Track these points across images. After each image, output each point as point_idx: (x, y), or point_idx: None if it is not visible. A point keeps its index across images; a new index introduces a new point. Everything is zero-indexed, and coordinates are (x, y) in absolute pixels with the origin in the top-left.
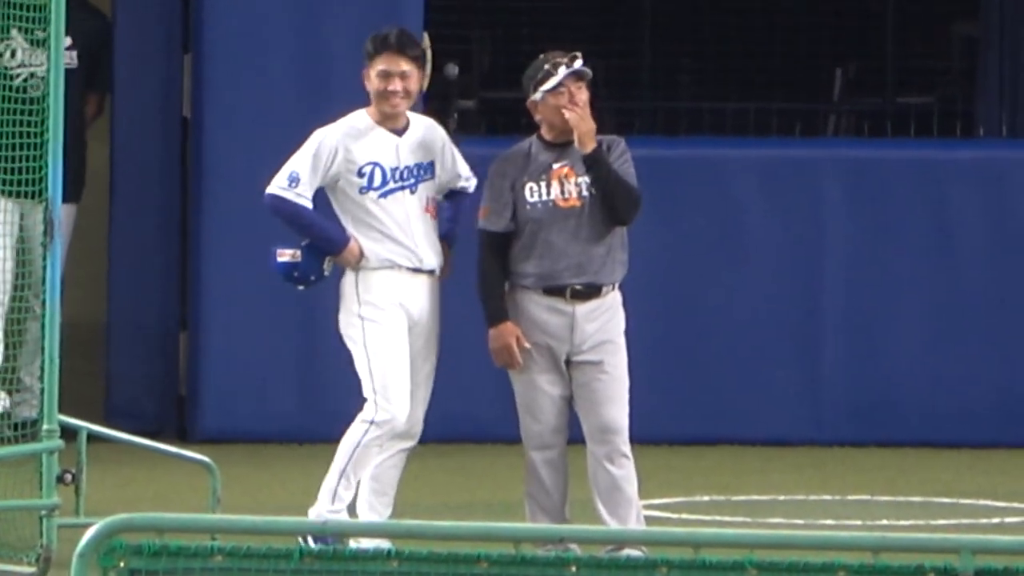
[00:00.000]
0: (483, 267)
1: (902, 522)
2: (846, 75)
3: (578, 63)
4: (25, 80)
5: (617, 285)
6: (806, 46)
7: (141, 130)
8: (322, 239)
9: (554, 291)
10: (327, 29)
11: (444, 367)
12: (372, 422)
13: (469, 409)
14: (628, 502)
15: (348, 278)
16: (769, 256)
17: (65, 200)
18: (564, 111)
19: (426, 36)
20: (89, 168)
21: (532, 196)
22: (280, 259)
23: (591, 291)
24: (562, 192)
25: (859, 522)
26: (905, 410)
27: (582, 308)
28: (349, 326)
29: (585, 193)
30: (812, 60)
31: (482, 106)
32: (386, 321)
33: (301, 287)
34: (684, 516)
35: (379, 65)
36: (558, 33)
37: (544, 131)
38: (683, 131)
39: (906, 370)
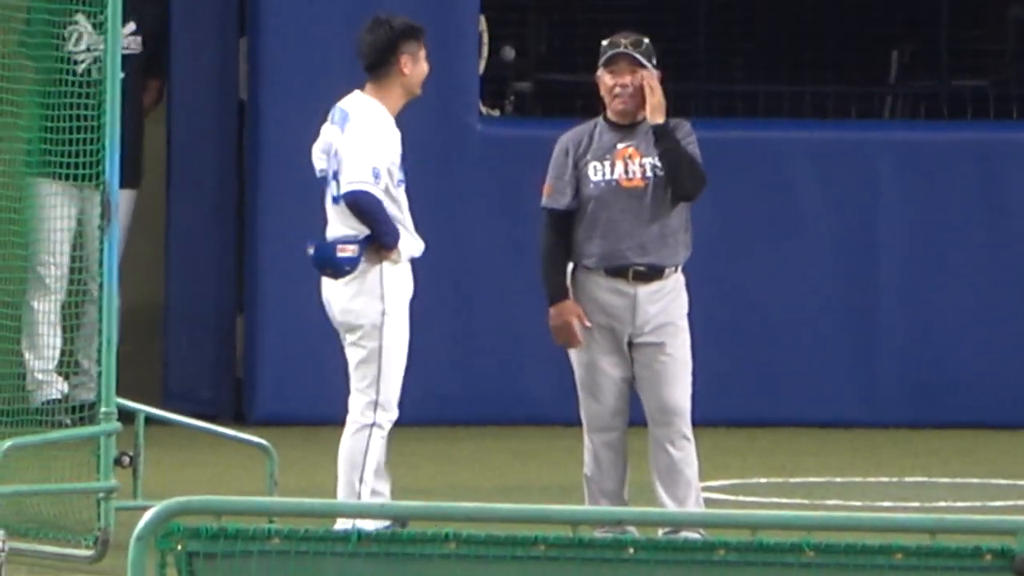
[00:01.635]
0: (545, 244)
1: (959, 504)
2: (901, 58)
3: (630, 45)
4: (90, 65)
5: (680, 267)
6: (861, 28)
7: (198, 113)
8: (388, 232)
9: (616, 272)
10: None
11: (501, 349)
12: (374, 425)
13: (526, 391)
14: (687, 484)
15: (373, 271)
16: (824, 238)
17: (123, 186)
18: (644, 85)
19: (482, 19)
20: (146, 152)
21: (595, 175)
22: (343, 254)
23: (653, 272)
24: (626, 172)
25: (916, 504)
26: (961, 391)
27: (644, 289)
28: (367, 317)
29: (649, 174)
30: (867, 43)
31: (538, 88)
32: (404, 319)
33: (337, 279)
34: (741, 498)
35: (423, 51)
36: (614, 16)
37: (608, 111)
38: (739, 114)
39: (962, 351)
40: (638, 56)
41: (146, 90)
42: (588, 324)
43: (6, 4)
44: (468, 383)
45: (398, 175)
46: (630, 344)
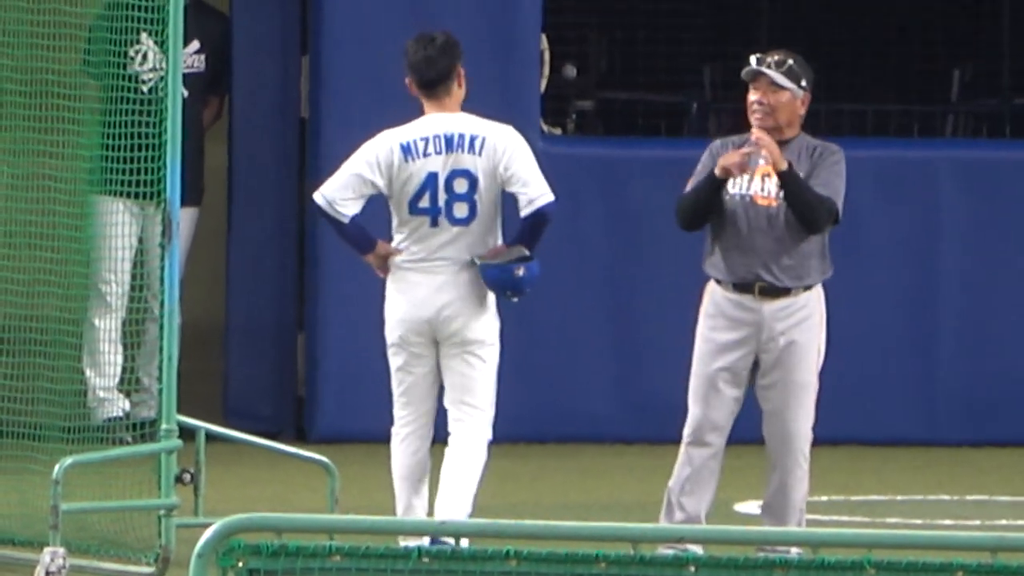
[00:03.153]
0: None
1: (1020, 522)
2: (963, 76)
3: (773, 64)
4: (155, 83)
5: (813, 288)
6: (923, 48)
7: (259, 131)
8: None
9: (743, 287)
10: (443, 29)
11: (562, 366)
12: (490, 441)
13: (587, 409)
14: (793, 507)
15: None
16: (885, 256)
17: (184, 204)
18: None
19: (543, 37)
20: (208, 169)
21: (733, 187)
22: (521, 273)
23: (780, 290)
24: (762, 189)
25: (977, 522)
26: (1022, 409)
27: (770, 307)
28: (491, 331)
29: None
30: (929, 61)
31: (599, 107)
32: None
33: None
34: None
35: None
36: (675, 34)
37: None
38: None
39: (1022, 369)
40: (776, 76)
41: (206, 107)
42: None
43: (70, 24)
44: (529, 401)
45: None
46: (757, 362)
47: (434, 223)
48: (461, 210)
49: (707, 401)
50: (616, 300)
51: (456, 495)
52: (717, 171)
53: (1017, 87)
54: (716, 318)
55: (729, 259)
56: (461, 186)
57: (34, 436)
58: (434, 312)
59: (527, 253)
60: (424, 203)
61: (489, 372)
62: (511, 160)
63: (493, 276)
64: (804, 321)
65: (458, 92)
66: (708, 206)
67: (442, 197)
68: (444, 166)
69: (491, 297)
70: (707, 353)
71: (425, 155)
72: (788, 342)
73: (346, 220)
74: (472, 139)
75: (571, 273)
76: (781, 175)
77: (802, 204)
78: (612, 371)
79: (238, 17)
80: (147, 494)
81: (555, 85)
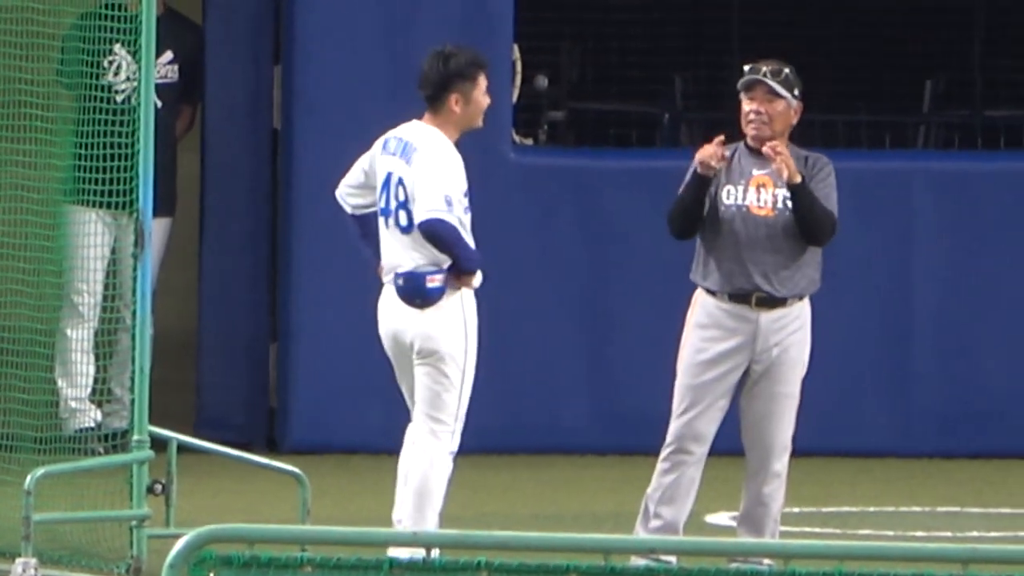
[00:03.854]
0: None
1: (992, 534)
2: (936, 87)
3: (769, 73)
4: (130, 94)
5: (805, 299)
6: (895, 59)
7: (232, 141)
8: (470, 259)
9: (739, 297)
10: (417, 40)
11: (536, 377)
12: (452, 452)
13: (560, 420)
14: (769, 517)
15: (452, 297)
16: (858, 267)
17: (157, 214)
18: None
19: (515, 48)
20: (180, 179)
21: (728, 199)
22: (431, 285)
23: (776, 300)
24: (757, 200)
25: (949, 534)
26: (995, 422)
27: (767, 316)
28: (454, 346)
29: (780, 206)
30: (901, 72)
31: (571, 117)
32: (475, 347)
33: (423, 309)
34: None
35: (484, 83)
36: (647, 45)
37: (747, 137)
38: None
39: (996, 382)
40: (774, 85)
41: (179, 117)
42: (727, 154)
43: (43, 34)
44: (502, 411)
45: (466, 202)
46: (745, 371)
47: (386, 224)
48: (403, 218)
49: (694, 411)
50: (589, 311)
51: (409, 505)
52: (697, 168)
53: (989, 98)
54: (710, 329)
55: (725, 270)
56: (401, 194)
57: (6, 447)
58: (398, 325)
59: (434, 267)
60: (382, 202)
61: (451, 385)
62: (416, 170)
63: (404, 282)
64: (797, 331)
65: (455, 109)
66: (697, 208)
67: (393, 201)
68: (396, 170)
69: (455, 307)
70: (698, 364)
71: (392, 153)
72: (781, 352)
73: (349, 210)
74: (409, 147)
75: (543, 283)
76: (794, 188)
77: (812, 218)
78: (585, 382)
79: (211, 27)
80: (119, 505)
81: (527, 96)
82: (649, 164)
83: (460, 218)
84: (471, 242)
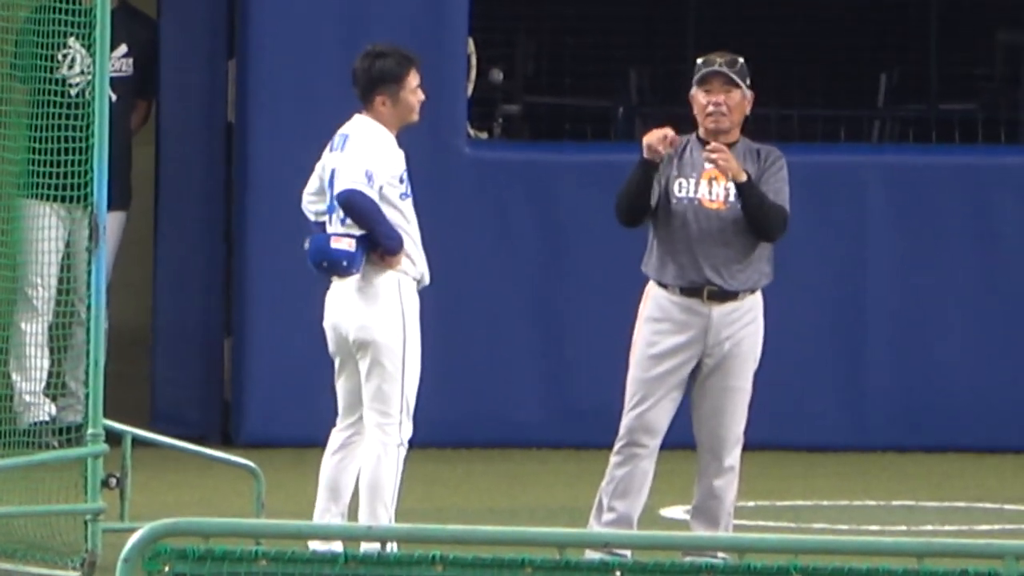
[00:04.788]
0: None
1: (946, 527)
2: (890, 81)
3: (724, 64)
4: (84, 88)
5: (757, 292)
6: (849, 52)
7: (186, 135)
8: (389, 235)
9: (691, 291)
10: (373, 34)
11: (490, 371)
12: (401, 444)
13: (514, 414)
14: (722, 511)
15: (386, 281)
16: (812, 261)
17: (112, 208)
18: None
19: (470, 41)
20: (135, 173)
21: (680, 192)
22: (336, 245)
23: (728, 294)
24: (709, 193)
25: (903, 527)
26: (950, 415)
27: (719, 310)
28: (389, 334)
29: (732, 199)
30: (856, 66)
31: (526, 111)
32: (418, 335)
33: (335, 277)
34: None
35: (415, 81)
36: (603, 39)
37: (700, 129)
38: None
39: (950, 375)
40: (732, 75)
41: (134, 111)
42: (676, 140)
43: None
44: (456, 405)
45: (402, 188)
46: (697, 365)
47: (330, 221)
48: (342, 210)
49: (646, 404)
50: (543, 304)
51: (362, 500)
52: (645, 153)
53: (944, 92)
54: (661, 322)
55: (677, 263)
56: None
57: None
58: (337, 319)
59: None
60: (328, 200)
61: (390, 376)
62: (344, 154)
63: (310, 244)
64: (749, 325)
65: (382, 109)
66: (643, 194)
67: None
68: (332, 163)
69: (392, 297)
70: (650, 357)
71: (333, 150)
72: (733, 346)
73: (312, 218)
74: (345, 139)
75: (498, 277)
76: (740, 187)
77: (760, 215)
78: (539, 376)
79: (166, 21)
80: (73, 498)
81: (481, 89)
82: (604, 158)
83: (392, 200)
84: (412, 228)
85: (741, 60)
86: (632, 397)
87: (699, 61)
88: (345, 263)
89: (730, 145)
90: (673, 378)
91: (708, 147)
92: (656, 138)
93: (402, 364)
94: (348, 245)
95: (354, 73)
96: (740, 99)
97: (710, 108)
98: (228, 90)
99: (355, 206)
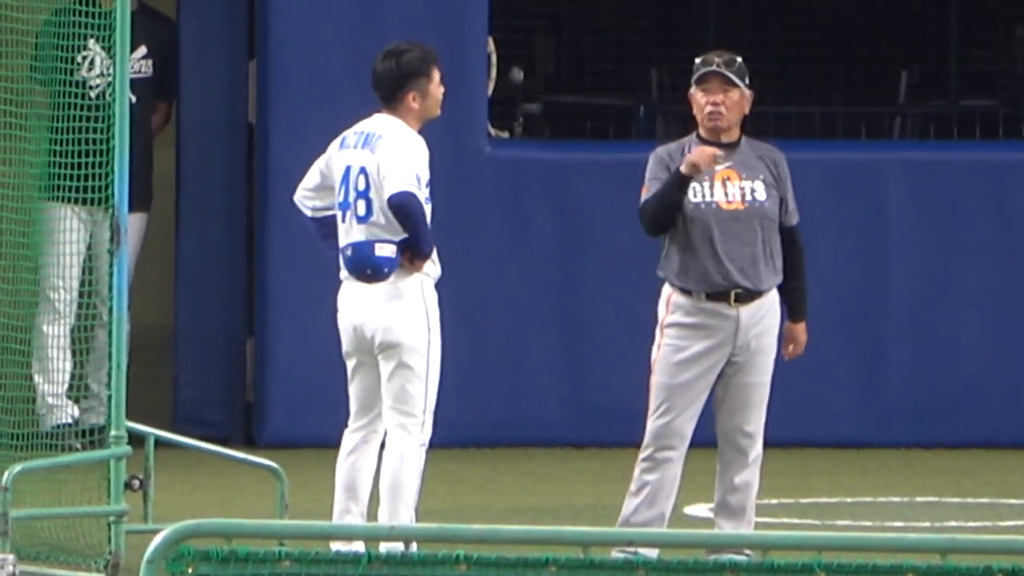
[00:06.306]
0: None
1: (970, 524)
2: (911, 78)
3: (723, 64)
4: (104, 89)
5: (774, 287)
6: (870, 50)
7: (207, 137)
8: (429, 240)
9: (718, 295)
10: (391, 35)
11: (511, 370)
12: (423, 445)
13: (537, 413)
14: (745, 506)
15: (411, 283)
16: (834, 258)
17: (134, 209)
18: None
19: (491, 40)
20: (156, 175)
21: (695, 196)
22: (380, 253)
23: (753, 294)
24: (725, 195)
25: (927, 524)
26: (972, 412)
27: (746, 311)
28: (415, 335)
29: (749, 198)
30: (877, 63)
31: (547, 110)
32: (439, 337)
33: (374, 282)
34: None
35: (438, 75)
36: (622, 37)
37: (700, 129)
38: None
39: (972, 372)
40: (730, 75)
41: (154, 112)
42: (720, 153)
43: (17, 30)
44: (478, 404)
45: (426, 192)
46: (725, 364)
47: (343, 218)
48: (361, 207)
49: (674, 412)
50: (564, 304)
51: (383, 501)
52: (684, 168)
53: (964, 88)
54: (688, 328)
55: (701, 268)
56: (362, 183)
57: None
58: (358, 320)
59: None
60: (340, 196)
61: (415, 377)
62: (384, 154)
63: (353, 252)
64: (769, 318)
65: (413, 106)
66: (678, 207)
67: (352, 193)
68: (356, 161)
69: (416, 298)
70: (675, 363)
71: (351, 147)
72: (758, 344)
73: (308, 213)
74: (372, 137)
75: (519, 276)
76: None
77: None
78: (561, 375)
79: (185, 22)
80: (96, 500)
81: (502, 88)
82: (624, 157)
83: (424, 205)
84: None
85: (739, 59)
86: (658, 404)
87: (697, 61)
88: (386, 270)
89: (732, 144)
90: (701, 383)
91: (690, 154)
92: (706, 159)
93: (427, 365)
94: (391, 252)
95: (377, 75)
96: (739, 98)
97: (709, 108)
98: (248, 91)
99: (410, 209)
